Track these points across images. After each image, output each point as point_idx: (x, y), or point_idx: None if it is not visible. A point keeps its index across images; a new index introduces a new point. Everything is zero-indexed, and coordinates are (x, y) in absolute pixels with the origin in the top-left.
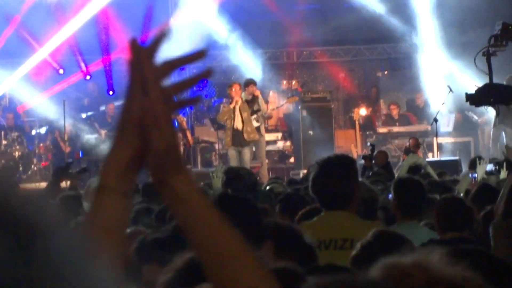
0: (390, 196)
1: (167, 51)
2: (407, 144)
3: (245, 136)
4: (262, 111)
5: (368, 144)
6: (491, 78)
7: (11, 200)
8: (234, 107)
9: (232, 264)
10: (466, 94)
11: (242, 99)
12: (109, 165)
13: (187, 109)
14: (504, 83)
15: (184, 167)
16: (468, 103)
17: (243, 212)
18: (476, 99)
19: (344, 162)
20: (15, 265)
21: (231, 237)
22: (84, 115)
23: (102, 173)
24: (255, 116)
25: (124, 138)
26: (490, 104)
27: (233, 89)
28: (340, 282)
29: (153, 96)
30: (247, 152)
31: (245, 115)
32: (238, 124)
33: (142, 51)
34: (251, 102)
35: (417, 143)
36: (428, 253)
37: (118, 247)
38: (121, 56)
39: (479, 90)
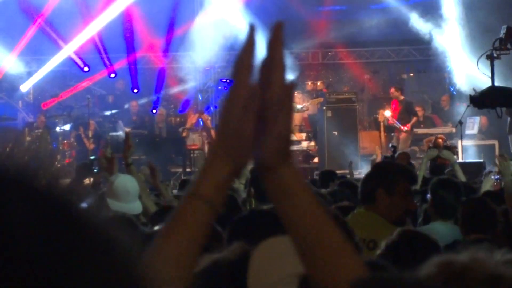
0: (428, 196)
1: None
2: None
3: None
4: (294, 108)
5: (390, 145)
6: (493, 81)
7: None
8: None
9: (333, 258)
10: (470, 96)
11: None
12: (207, 174)
13: (211, 108)
14: None
15: (293, 159)
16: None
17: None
18: (480, 101)
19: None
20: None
21: (334, 231)
22: (108, 113)
23: (198, 181)
24: None
25: (225, 151)
26: (493, 107)
27: None
28: (390, 280)
29: (281, 78)
30: None
31: None
32: None
33: (279, 34)
34: None
35: (437, 141)
36: (481, 251)
37: (191, 264)
38: (145, 54)
39: (483, 93)
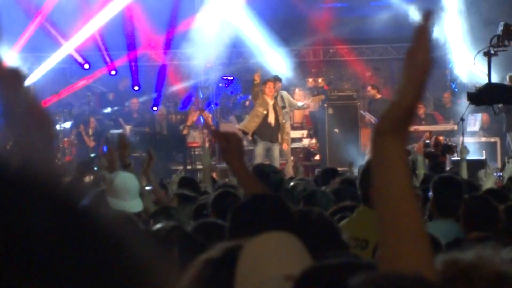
0: (429, 194)
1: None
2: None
3: (280, 137)
4: (295, 105)
5: None
6: (489, 78)
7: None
8: (272, 104)
9: (410, 239)
10: (468, 93)
11: (276, 98)
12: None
13: (212, 105)
14: (507, 81)
15: (407, 133)
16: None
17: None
18: (477, 98)
19: None
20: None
21: (417, 216)
22: (108, 110)
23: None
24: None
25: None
26: (489, 103)
27: (268, 86)
28: (391, 278)
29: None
30: (277, 149)
31: (280, 117)
32: (271, 120)
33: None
34: (277, 99)
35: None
36: (486, 249)
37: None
38: (146, 51)
39: (480, 90)
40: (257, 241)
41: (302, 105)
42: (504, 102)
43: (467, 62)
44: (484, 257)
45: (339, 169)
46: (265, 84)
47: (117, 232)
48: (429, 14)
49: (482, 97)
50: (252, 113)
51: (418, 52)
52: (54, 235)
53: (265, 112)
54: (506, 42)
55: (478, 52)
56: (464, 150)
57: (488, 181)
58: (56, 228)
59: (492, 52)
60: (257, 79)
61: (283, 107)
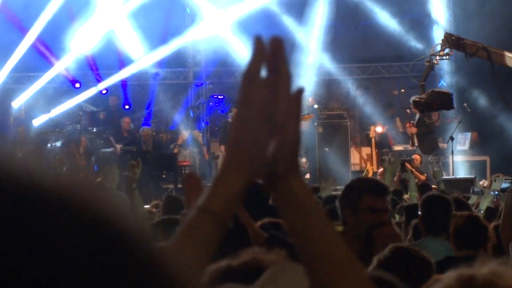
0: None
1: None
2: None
3: None
4: None
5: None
6: (422, 87)
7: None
8: None
9: (339, 272)
10: (413, 101)
11: None
12: (218, 188)
13: (203, 124)
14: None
15: (300, 170)
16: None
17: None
18: (421, 105)
19: None
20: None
21: (341, 245)
22: (99, 129)
23: (209, 196)
24: None
25: (239, 165)
26: (433, 110)
27: None
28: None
29: (287, 88)
30: None
31: None
32: None
33: (281, 48)
34: None
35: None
36: (501, 265)
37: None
38: (137, 70)
39: (425, 97)
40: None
41: None
42: (444, 109)
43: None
44: (499, 272)
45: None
46: None
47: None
48: (280, 39)
49: (425, 104)
50: None
51: (281, 79)
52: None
53: None
54: (448, 51)
55: (417, 60)
56: (438, 173)
57: (485, 201)
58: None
59: (434, 61)
60: None
61: None
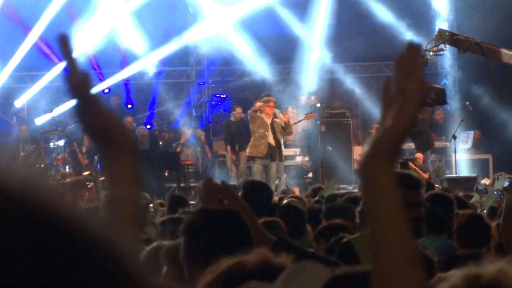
0: None
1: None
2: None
3: (278, 154)
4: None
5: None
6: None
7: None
8: (270, 122)
9: (401, 263)
10: None
11: (274, 116)
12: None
13: (205, 123)
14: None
15: (397, 159)
16: None
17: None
18: None
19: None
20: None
21: (409, 240)
22: None
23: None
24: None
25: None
26: (428, 105)
27: (270, 106)
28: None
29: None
30: (274, 167)
31: (278, 134)
32: (270, 140)
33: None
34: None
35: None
36: (507, 263)
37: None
38: (139, 69)
39: None
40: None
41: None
42: (440, 104)
43: (458, 80)
44: (506, 271)
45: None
46: (266, 103)
47: (113, 251)
48: (416, 47)
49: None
50: (255, 136)
51: (411, 78)
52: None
53: (266, 132)
54: (442, 46)
55: None
56: (440, 171)
57: (489, 200)
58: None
59: (428, 56)
60: (259, 107)
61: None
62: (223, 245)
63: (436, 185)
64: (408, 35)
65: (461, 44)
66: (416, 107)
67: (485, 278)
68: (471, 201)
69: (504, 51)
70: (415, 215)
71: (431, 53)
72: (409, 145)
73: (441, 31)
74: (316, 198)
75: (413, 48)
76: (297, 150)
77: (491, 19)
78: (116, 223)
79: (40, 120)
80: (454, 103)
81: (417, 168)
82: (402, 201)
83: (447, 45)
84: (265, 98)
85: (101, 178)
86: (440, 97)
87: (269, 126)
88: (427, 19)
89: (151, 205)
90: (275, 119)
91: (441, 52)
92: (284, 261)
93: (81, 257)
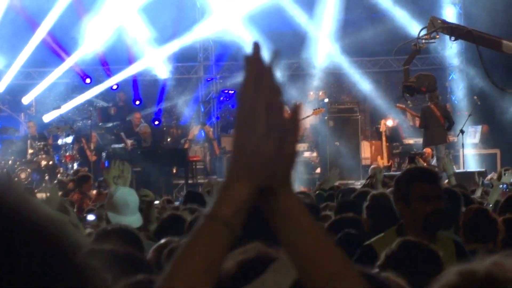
0: None
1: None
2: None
3: None
4: None
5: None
6: (406, 71)
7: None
8: None
9: (333, 281)
10: (405, 85)
11: None
12: (226, 196)
13: (213, 119)
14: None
15: (292, 184)
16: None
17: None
18: (411, 89)
19: None
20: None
21: (334, 254)
22: (110, 125)
23: (218, 203)
24: None
25: (245, 172)
26: (423, 93)
27: None
28: None
29: (279, 101)
30: None
31: None
32: None
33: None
34: None
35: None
36: (501, 257)
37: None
38: (147, 65)
39: (415, 81)
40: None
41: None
42: (430, 91)
43: (465, 75)
44: (500, 264)
45: (340, 181)
46: None
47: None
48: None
49: (414, 87)
50: None
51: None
52: None
53: None
54: (434, 34)
55: (404, 44)
56: (448, 165)
57: (494, 194)
58: None
59: (421, 44)
60: None
61: None
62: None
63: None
64: (416, 28)
65: (453, 32)
66: (296, 124)
67: (479, 273)
68: (474, 196)
69: (495, 38)
70: (436, 207)
71: (423, 41)
72: (417, 140)
73: (433, 19)
74: (317, 192)
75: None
76: (305, 146)
77: (501, 11)
78: (199, 241)
79: (48, 117)
80: (461, 98)
81: (425, 163)
82: (421, 196)
83: (456, 41)
84: None
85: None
86: (432, 84)
87: None
88: (435, 12)
89: (156, 202)
90: None
91: (433, 40)
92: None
93: (25, 247)
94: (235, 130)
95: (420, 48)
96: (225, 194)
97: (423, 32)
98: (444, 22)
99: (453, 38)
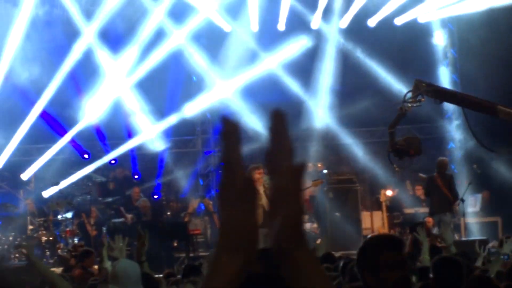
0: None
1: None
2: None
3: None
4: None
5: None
6: (392, 134)
7: None
8: (263, 190)
9: None
10: (393, 148)
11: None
12: (217, 270)
13: (213, 192)
14: None
15: (306, 241)
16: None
17: None
18: (400, 151)
19: None
20: None
21: None
22: (109, 199)
23: (208, 279)
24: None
25: (233, 245)
26: (410, 155)
27: (259, 173)
28: None
29: (290, 163)
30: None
31: (266, 200)
32: (265, 207)
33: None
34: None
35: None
36: None
37: None
38: (145, 139)
39: (404, 144)
40: None
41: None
42: (417, 154)
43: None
44: None
45: (341, 252)
46: (256, 170)
47: None
48: (279, 114)
49: (400, 150)
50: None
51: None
52: None
53: (259, 202)
54: (420, 97)
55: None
56: (447, 234)
57: (495, 264)
58: None
59: (407, 107)
60: (259, 176)
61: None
62: None
63: None
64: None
65: (437, 95)
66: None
67: None
68: (475, 264)
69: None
70: (402, 275)
71: (409, 105)
72: (418, 210)
73: (417, 82)
74: None
75: (278, 115)
76: (305, 217)
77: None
78: (214, 276)
79: (47, 193)
80: (461, 167)
81: (420, 234)
82: (388, 264)
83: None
84: (253, 167)
85: (107, 248)
86: (419, 147)
87: (264, 195)
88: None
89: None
90: (266, 191)
91: (419, 104)
92: None
93: None
94: (219, 203)
95: (406, 112)
96: (215, 267)
97: (409, 96)
98: (429, 85)
99: (438, 101)
